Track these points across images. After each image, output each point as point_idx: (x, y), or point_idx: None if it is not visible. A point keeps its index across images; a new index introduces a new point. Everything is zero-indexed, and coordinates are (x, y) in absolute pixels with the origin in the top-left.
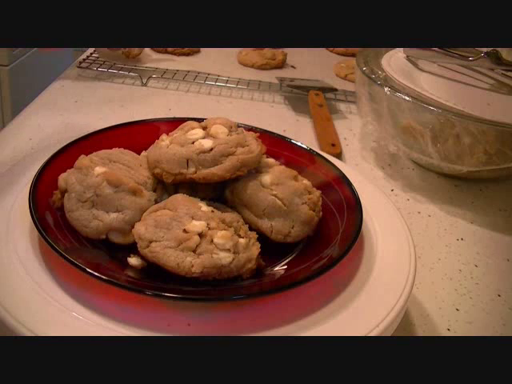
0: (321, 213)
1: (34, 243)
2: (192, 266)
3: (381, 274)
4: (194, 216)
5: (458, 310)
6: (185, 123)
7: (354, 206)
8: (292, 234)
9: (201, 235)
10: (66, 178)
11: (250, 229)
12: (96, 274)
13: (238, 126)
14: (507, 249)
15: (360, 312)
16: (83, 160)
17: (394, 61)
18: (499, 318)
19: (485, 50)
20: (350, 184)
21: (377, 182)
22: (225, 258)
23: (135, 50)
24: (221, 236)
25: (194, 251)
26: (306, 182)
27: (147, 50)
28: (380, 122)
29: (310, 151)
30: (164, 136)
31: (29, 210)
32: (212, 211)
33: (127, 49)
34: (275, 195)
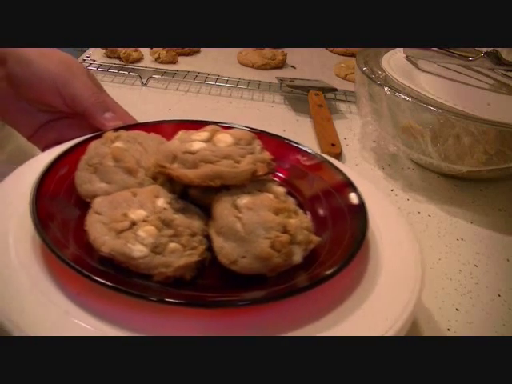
0: (293, 259)
1: (34, 246)
2: (103, 244)
3: (387, 279)
4: (143, 206)
5: (458, 310)
6: (209, 126)
7: (359, 210)
8: (239, 264)
9: (134, 223)
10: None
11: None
12: (96, 278)
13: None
14: (507, 249)
15: (369, 314)
16: (109, 133)
17: (394, 61)
18: (499, 318)
19: (485, 49)
20: (355, 189)
21: (377, 182)
22: (136, 250)
23: (134, 55)
24: (145, 230)
25: (118, 234)
26: (292, 221)
27: (146, 55)
28: (380, 122)
29: (316, 156)
30: (181, 131)
31: (30, 212)
32: (165, 208)
33: (126, 53)
34: (239, 218)
